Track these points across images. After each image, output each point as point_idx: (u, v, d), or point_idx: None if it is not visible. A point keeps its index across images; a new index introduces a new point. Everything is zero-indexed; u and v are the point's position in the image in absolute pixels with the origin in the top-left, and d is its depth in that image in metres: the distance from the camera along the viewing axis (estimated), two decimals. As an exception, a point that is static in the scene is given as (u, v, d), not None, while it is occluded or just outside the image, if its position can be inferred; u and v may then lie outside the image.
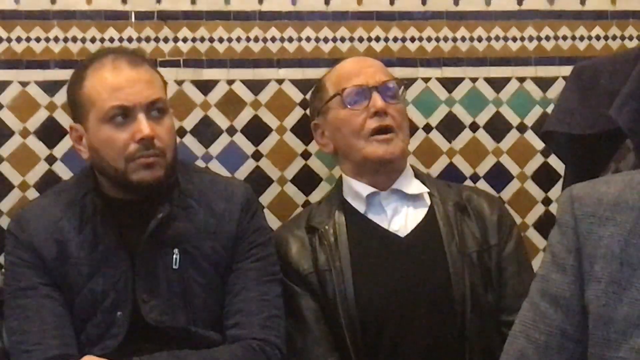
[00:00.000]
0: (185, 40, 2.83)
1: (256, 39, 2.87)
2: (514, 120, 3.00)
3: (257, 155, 2.86)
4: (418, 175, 2.49)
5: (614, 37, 3.07)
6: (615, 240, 1.47)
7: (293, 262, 2.37)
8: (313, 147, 2.84)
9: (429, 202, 2.42)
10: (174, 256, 2.21)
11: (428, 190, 2.44)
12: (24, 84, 2.74)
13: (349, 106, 2.41)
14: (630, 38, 3.07)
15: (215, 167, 2.80)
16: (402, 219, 2.40)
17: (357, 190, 2.43)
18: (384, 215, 2.41)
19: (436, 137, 2.95)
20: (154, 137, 2.15)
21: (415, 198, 2.43)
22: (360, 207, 2.42)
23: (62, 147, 2.74)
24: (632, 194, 1.49)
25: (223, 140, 2.85)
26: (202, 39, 2.84)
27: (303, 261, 2.36)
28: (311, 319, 2.33)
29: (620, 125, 2.16)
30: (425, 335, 2.30)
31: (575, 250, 1.50)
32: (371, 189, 2.42)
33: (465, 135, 2.97)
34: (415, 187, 2.44)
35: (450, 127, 2.96)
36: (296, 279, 2.35)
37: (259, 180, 2.83)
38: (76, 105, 2.22)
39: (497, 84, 2.99)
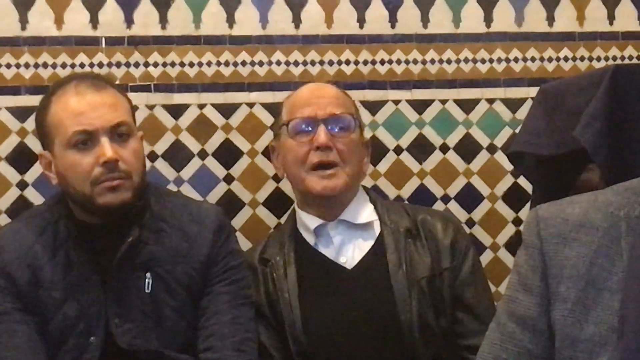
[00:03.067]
0: (156, 65, 2.83)
1: (227, 63, 2.87)
2: (484, 141, 3.02)
3: (228, 179, 2.86)
4: (372, 200, 2.46)
5: (582, 58, 3.09)
6: (580, 261, 1.47)
7: None
8: (285, 170, 2.84)
9: (378, 230, 2.40)
10: (147, 280, 2.21)
11: (376, 219, 2.41)
12: (-6, 109, 2.74)
13: (294, 137, 2.39)
14: (598, 59, 3.09)
15: (187, 190, 2.80)
16: (349, 250, 2.38)
17: (305, 222, 2.42)
18: (332, 247, 2.39)
19: (407, 158, 2.96)
20: (118, 159, 2.15)
21: (364, 227, 2.41)
22: (309, 239, 2.41)
23: (34, 172, 2.73)
24: (597, 214, 1.49)
25: (194, 164, 2.85)
26: (173, 64, 2.84)
27: (256, 292, 2.36)
28: (269, 345, 2.33)
29: (584, 145, 2.17)
30: None
31: (541, 271, 1.50)
32: (318, 221, 2.40)
33: (436, 156, 2.99)
34: (364, 215, 2.42)
35: (421, 148, 2.98)
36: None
37: (231, 204, 2.83)
38: (43, 133, 2.22)
39: (467, 105, 3.01)
